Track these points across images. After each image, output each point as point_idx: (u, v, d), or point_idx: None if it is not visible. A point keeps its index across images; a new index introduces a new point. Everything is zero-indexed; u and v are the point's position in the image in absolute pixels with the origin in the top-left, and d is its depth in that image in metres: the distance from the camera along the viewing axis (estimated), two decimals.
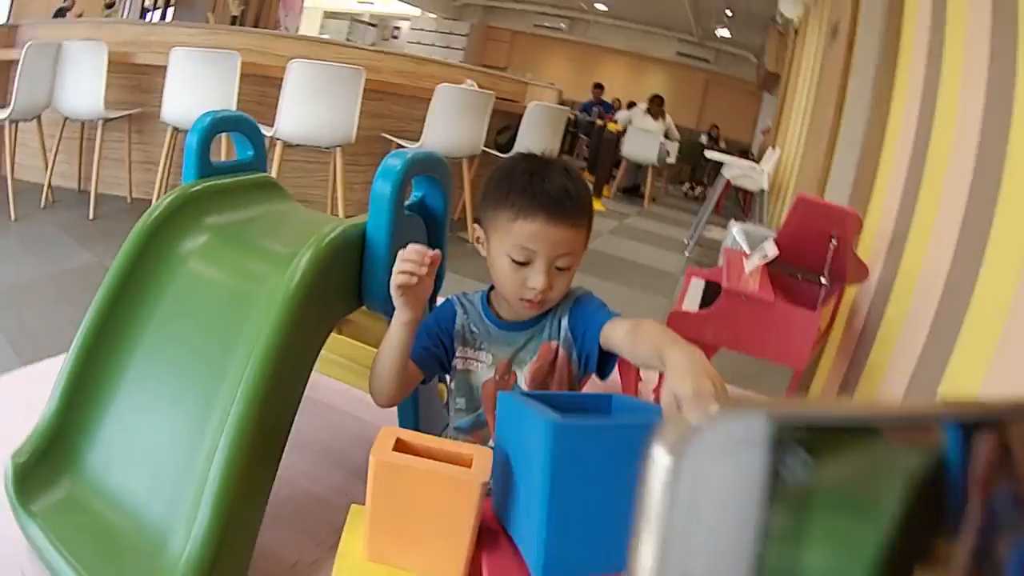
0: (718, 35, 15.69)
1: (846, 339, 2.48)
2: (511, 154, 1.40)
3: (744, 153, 10.14)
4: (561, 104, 6.35)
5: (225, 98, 4.27)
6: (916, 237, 2.01)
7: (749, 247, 2.81)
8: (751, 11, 12.06)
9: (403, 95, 5.35)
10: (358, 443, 2.13)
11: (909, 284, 1.96)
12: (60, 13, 8.39)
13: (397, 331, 1.32)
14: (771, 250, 2.21)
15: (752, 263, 2.28)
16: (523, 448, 1.03)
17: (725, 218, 6.70)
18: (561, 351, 1.39)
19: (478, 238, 1.40)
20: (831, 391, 2.46)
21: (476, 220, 1.40)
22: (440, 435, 1.42)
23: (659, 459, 0.31)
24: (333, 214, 4.39)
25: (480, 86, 5.42)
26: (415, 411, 1.71)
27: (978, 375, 1.49)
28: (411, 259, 1.23)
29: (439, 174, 1.64)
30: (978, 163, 1.72)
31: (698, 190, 11.30)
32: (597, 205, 7.84)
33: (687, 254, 6.42)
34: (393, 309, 1.54)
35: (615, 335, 1.26)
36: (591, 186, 8.39)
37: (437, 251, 1.24)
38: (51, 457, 1.44)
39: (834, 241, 2.15)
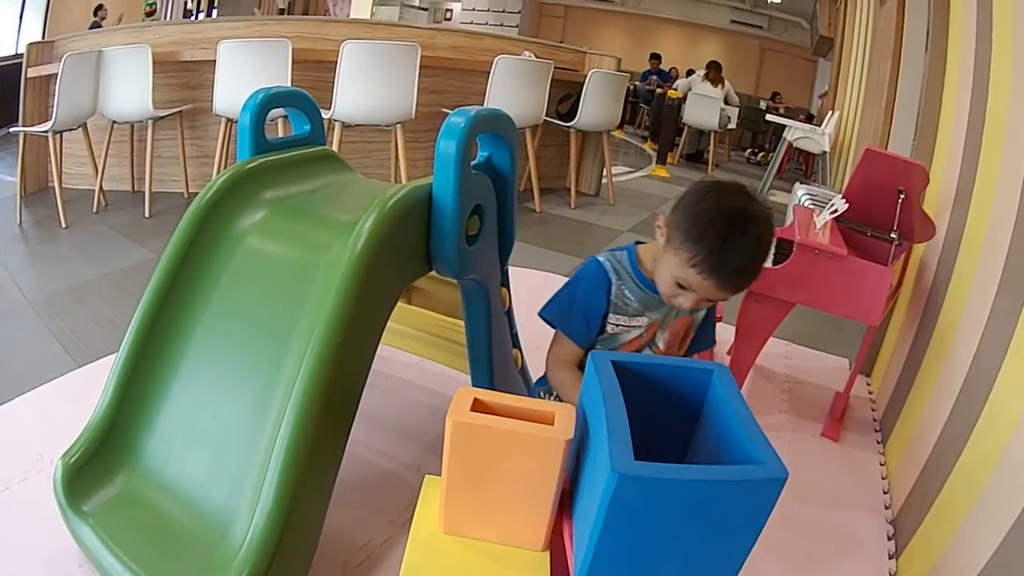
0: (769, 1, 15.41)
1: (916, 297, 2.43)
2: (718, 185, 1.43)
3: (809, 119, 9.98)
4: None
5: (278, 85, 4.20)
6: (981, 192, 1.96)
7: (816, 206, 2.78)
8: None
9: (460, 69, 5.34)
10: (432, 416, 2.11)
11: (977, 240, 1.91)
12: (94, 27, 8.62)
13: None
14: (841, 204, 2.18)
15: (823, 218, 2.25)
16: (594, 455, 0.92)
17: (788, 183, 6.58)
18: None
19: (659, 226, 1.45)
20: (903, 350, 2.42)
21: (671, 217, 1.43)
22: None
23: None
24: None
25: (537, 57, 5.39)
26: (490, 373, 1.69)
27: None
28: None
29: (505, 132, 1.58)
30: None
31: (760, 155, 11.12)
32: (662, 172, 7.80)
33: None
34: (464, 272, 1.53)
35: None
36: (655, 154, 8.34)
37: None
38: (104, 453, 1.38)
39: (902, 195, 2.11)
